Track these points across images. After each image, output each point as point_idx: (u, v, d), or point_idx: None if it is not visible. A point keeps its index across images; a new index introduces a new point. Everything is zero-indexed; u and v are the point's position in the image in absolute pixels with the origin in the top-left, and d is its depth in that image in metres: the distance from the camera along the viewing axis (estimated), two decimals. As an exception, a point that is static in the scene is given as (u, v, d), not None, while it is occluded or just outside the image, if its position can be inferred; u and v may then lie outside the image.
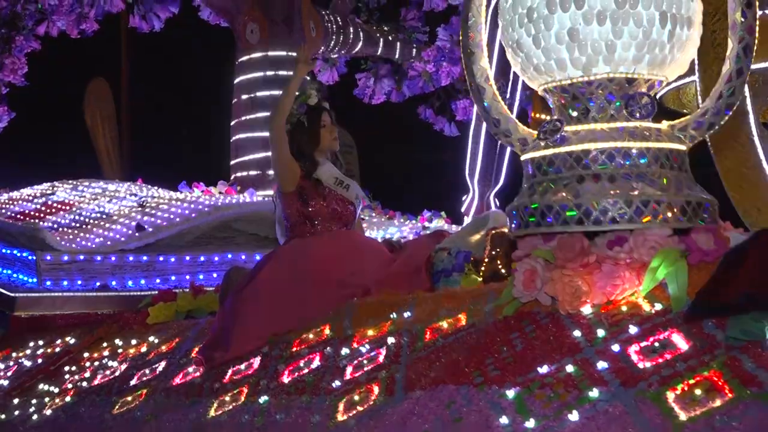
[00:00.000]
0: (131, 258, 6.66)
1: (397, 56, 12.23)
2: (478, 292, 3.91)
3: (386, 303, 4.32)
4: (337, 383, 3.71)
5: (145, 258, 6.71)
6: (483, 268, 4.71)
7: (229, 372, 4.45)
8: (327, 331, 4.35)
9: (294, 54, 9.79)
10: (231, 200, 7.61)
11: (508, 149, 8.52)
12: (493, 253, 4.74)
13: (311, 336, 4.36)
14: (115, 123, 10.86)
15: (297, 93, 5.31)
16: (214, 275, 6.92)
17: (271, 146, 5.17)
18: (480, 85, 3.68)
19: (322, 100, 5.50)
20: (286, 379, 4.05)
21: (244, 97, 9.67)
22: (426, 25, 13.67)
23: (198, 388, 4.47)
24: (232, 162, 9.64)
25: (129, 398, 4.71)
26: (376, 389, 3.48)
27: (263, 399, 3.89)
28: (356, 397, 3.49)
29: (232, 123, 9.78)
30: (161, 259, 6.73)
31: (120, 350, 5.67)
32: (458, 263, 4.74)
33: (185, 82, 12.85)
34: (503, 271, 4.45)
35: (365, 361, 3.78)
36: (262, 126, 9.41)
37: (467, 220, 9.00)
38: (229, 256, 7.02)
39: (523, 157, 3.57)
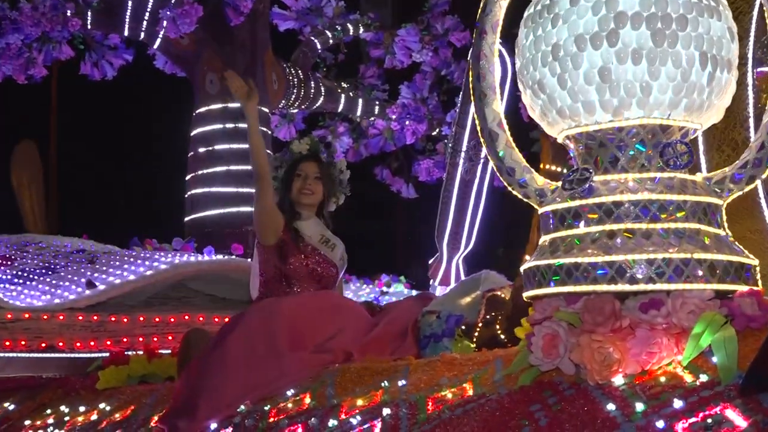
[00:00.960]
0: (81, 317, 6.25)
1: (359, 113, 12.01)
2: (482, 359, 3.60)
3: (373, 370, 4.00)
4: (327, 459, 3.36)
5: (95, 317, 6.30)
6: (477, 334, 4.41)
7: (197, 444, 4.08)
8: (307, 400, 4.01)
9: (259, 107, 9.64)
10: (189, 258, 7.25)
11: (480, 210, 8.29)
12: (488, 317, 4.45)
13: (290, 405, 4.01)
14: (41, 185, 10.54)
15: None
16: (170, 338, 6.54)
17: (254, 188, 4.90)
18: (492, 131, 3.41)
19: (315, 152, 5.22)
20: (265, 453, 3.69)
21: (201, 150, 9.34)
22: (386, 83, 13.49)
23: (160, 462, 4.10)
24: (187, 219, 9.27)
25: (81, 473, 4.32)
26: (375, 467, 3.14)
27: (242, 476, 3.54)
28: (354, 476, 3.15)
29: (188, 177, 9.44)
30: (113, 319, 6.34)
31: (67, 418, 5.27)
32: (449, 328, 4.43)
33: (134, 135, 12.48)
34: (502, 336, 4.15)
35: (358, 436, 3.44)
36: (221, 181, 9.10)
37: (434, 284, 8.71)
38: (187, 317, 6.64)
39: (541, 210, 3.28)
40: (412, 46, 11.61)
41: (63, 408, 5.39)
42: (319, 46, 11.67)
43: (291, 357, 4.39)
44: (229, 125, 9.32)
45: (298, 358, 4.39)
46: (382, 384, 3.77)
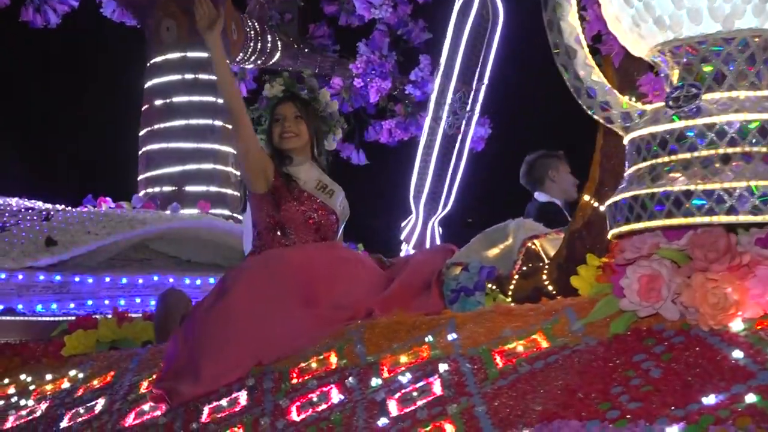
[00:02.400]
0: (42, 277, 5.76)
1: (317, 70, 11.54)
2: (547, 309, 3.28)
3: (408, 324, 3.67)
4: (383, 421, 2.99)
5: (58, 278, 5.82)
6: (512, 286, 4.08)
7: (206, 410, 3.70)
8: (334, 359, 3.66)
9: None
10: (156, 215, 6.78)
11: (462, 167, 7.94)
12: (525, 268, 4.12)
13: (314, 365, 3.65)
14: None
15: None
16: (137, 300, 6.09)
17: (233, 130, 4.50)
18: (570, 46, 3.06)
19: (290, 91, 4.86)
20: (297, 417, 3.32)
21: (158, 102, 8.82)
22: (336, 43, 13.02)
23: (166, 429, 3.69)
24: (141, 177, 8.76)
25: (65, 443, 3.92)
26: (450, 428, 2.78)
27: (274, 442, 3.18)
28: (424, 439, 2.80)
29: (142, 132, 8.92)
30: (77, 279, 5.86)
31: (32, 387, 4.84)
32: (481, 280, 4.09)
33: (79, 87, 11.87)
34: (550, 287, 3.81)
35: (414, 394, 3.08)
36: (180, 135, 8.62)
37: (407, 248, 8.35)
38: (156, 278, 6.20)
39: (631, 135, 2.94)
40: (373, 0, 11.17)
41: (24, 377, 4.96)
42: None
43: (305, 313, 4.03)
44: (188, 76, 8.82)
45: (313, 314, 4.03)
46: (426, 339, 3.44)
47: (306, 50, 11.69)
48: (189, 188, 8.39)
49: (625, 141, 3.00)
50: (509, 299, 4.02)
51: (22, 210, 7.06)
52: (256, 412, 3.47)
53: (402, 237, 8.53)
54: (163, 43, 8.98)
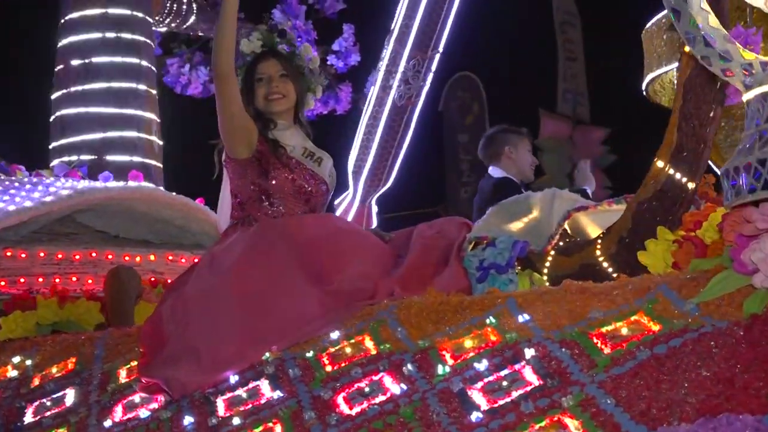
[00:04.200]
0: (-31, 252, 5.18)
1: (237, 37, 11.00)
2: (635, 287, 2.93)
3: (453, 305, 3.32)
4: (476, 416, 2.61)
5: (-14, 252, 5.25)
6: (548, 263, 3.74)
7: (221, 402, 3.29)
8: (370, 344, 3.27)
9: (139, 14, 8.56)
10: (92, 184, 6.20)
11: (407, 141, 7.54)
12: (561, 244, 3.79)
13: (348, 350, 3.26)
14: None
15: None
16: (74, 279, 5.55)
17: (217, 92, 4.03)
18: (683, -13, 2.72)
19: (272, 46, 4.44)
20: (349, 410, 2.92)
21: (75, 63, 8.16)
22: (241, 11, 12.50)
23: (173, 424, 3.27)
24: (54, 144, 8.12)
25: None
26: (573, 423, 2.42)
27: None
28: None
29: (55, 95, 8.26)
30: (9, 254, 5.29)
31: (-35, 376, 4.28)
32: (513, 257, 3.74)
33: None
34: (605, 264, 3.49)
35: (504, 383, 2.71)
36: (100, 100, 8.00)
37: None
38: (94, 254, 5.65)
39: (761, 89, 2.63)
40: (289, -38, 10.68)
41: (-51, 364, 4.41)
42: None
43: (316, 290, 3.62)
44: (110, 35, 8.20)
45: (325, 292, 3.63)
46: (487, 321, 3.07)
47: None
48: (110, 157, 7.81)
49: (747, 97, 2.69)
50: (545, 278, 3.70)
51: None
52: (292, 405, 3.07)
53: (337, 214, 8.13)
54: (80, -1, 8.35)
